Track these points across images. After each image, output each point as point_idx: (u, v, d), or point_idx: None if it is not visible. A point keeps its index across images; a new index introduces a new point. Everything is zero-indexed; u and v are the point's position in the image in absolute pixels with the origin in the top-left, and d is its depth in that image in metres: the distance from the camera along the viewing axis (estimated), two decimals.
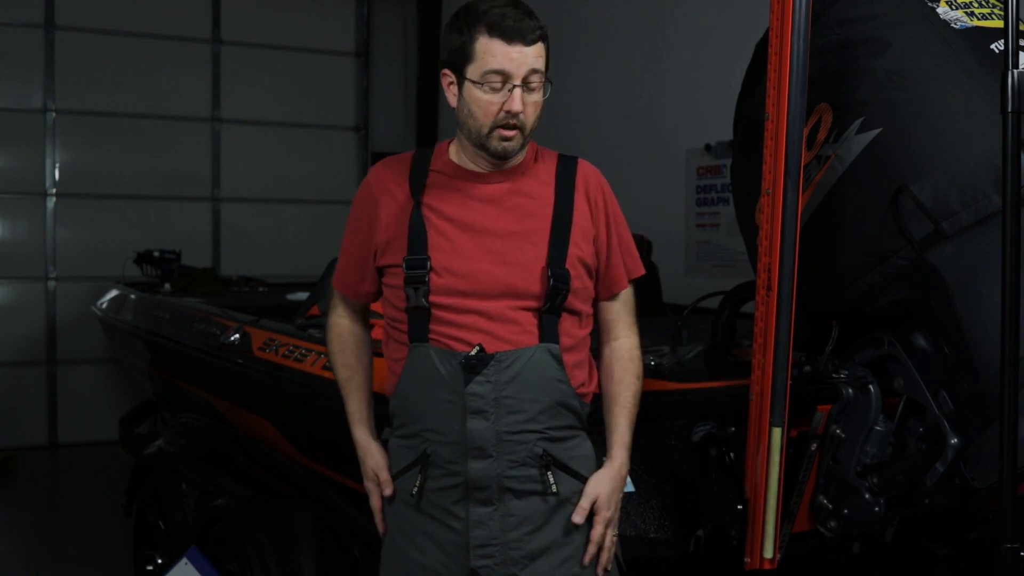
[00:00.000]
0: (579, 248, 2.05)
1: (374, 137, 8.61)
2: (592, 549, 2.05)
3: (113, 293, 5.62)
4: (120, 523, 4.24)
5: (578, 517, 2.03)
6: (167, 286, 5.83)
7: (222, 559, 3.10)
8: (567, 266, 2.03)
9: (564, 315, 2.04)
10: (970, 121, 2.27)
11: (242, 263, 7.64)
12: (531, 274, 2.01)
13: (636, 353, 2.15)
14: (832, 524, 2.44)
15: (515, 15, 1.95)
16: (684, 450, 2.41)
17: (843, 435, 2.42)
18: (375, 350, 2.29)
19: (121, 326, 5.07)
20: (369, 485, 2.17)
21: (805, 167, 2.34)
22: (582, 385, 2.08)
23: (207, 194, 8.01)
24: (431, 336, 2.00)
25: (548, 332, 2.01)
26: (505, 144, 1.99)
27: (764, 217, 2.25)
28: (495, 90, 1.96)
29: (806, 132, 2.32)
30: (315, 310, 3.86)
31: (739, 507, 2.30)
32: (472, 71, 1.97)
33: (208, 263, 7.60)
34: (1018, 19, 2.00)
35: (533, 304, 2.01)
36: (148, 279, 6.04)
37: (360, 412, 2.23)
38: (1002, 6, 2.30)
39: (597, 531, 2.04)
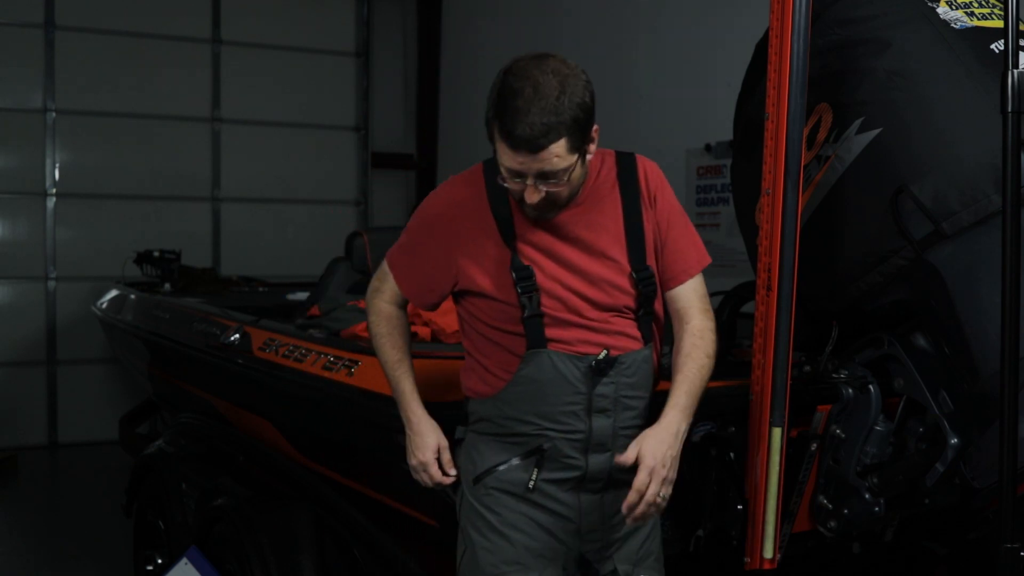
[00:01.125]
0: (651, 245, 2.14)
1: (374, 137, 8.60)
2: (632, 496, 2.01)
3: (113, 293, 5.62)
4: (120, 523, 4.24)
5: (622, 458, 2.03)
6: (167, 286, 5.83)
7: (222, 559, 3.10)
8: (648, 263, 2.12)
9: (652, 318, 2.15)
10: (970, 121, 2.27)
11: (242, 263, 7.63)
12: (616, 287, 2.10)
13: (709, 334, 2.17)
14: (832, 524, 2.44)
15: (525, 120, 1.90)
16: (684, 450, 2.41)
17: (843, 435, 2.42)
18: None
19: (121, 326, 5.07)
20: (428, 456, 2.20)
21: (805, 167, 2.34)
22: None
23: (207, 194, 8.01)
24: (550, 344, 2.08)
25: (647, 333, 2.13)
26: (540, 213, 2.07)
27: (764, 217, 2.26)
28: (514, 179, 2.00)
29: (806, 132, 2.32)
30: (315, 310, 3.86)
31: (739, 507, 2.30)
32: (496, 155, 2.01)
33: (208, 263, 7.59)
34: (1018, 19, 2.00)
35: (626, 312, 2.11)
36: (148, 279, 6.03)
37: (415, 392, 2.27)
38: (1002, 6, 2.30)
39: (640, 478, 2.00)
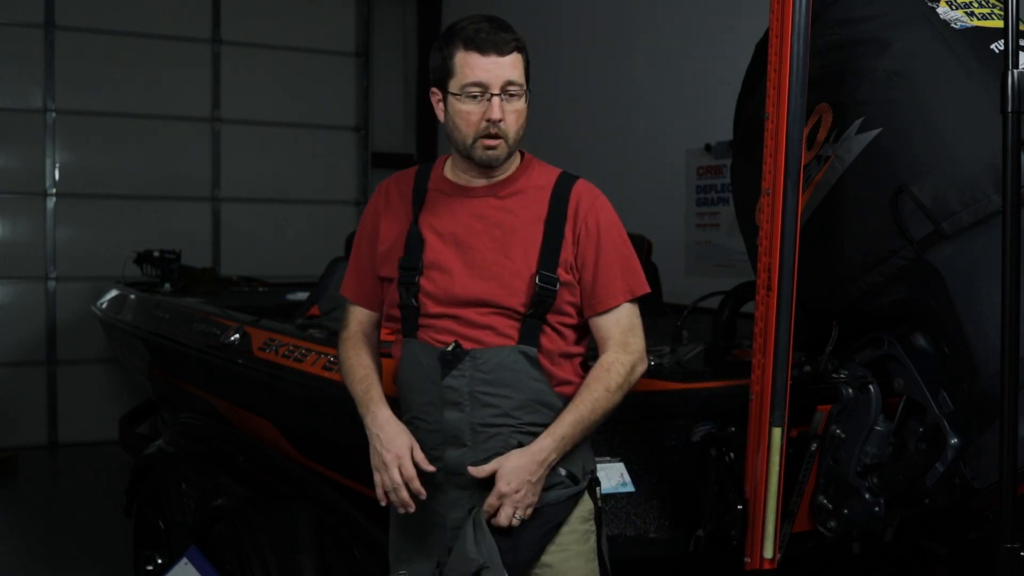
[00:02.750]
0: (565, 261, 2.11)
1: (374, 137, 8.61)
2: (485, 513, 2.04)
3: (113, 293, 5.62)
4: (120, 523, 4.24)
5: (475, 470, 2.03)
6: (167, 286, 5.83)
7: (222, 559, 3.10)
8: (556, 274, 2.09)
9: (546, 324, 2.10)
10: (970, 121, 2.26)
11: (242, 263, 7.63)
12: (507, 287, 2.09)
13: (617, 367, 2.10)
14: (832, 524, 2.44)
15: (489, 29, 2.05)
16: (684, 450, 2.41)
17: (843, 435, 2.42)
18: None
19: (121, 326, 5.07)
20: (404, 451, 2.06)
21: (805, 167, 2.34)
22: (564, 384, 2.12)
23: (207, 194, 8.01)
24: (419, 333, 2.12)
25: (528, 335, 2.08)
26: (489, 153, 2.09)
27: (764, 217, 2.25)
28: (475, 101, 2.06)
29: (806, 132, 2.31)
30: (315, 310, 3.86)
31: (739, 507, 2.30)
32: (453, 85, 2.08)
33: (208, 263, 7.60)
34: (1018, 19, 2.00)
35: (509, 312, 2.09)
36: (148, 279, 6.04)
37: (382, 396, 2.18)
38: (1002, 6, 2.30)
39: (491, 501, 2.02)
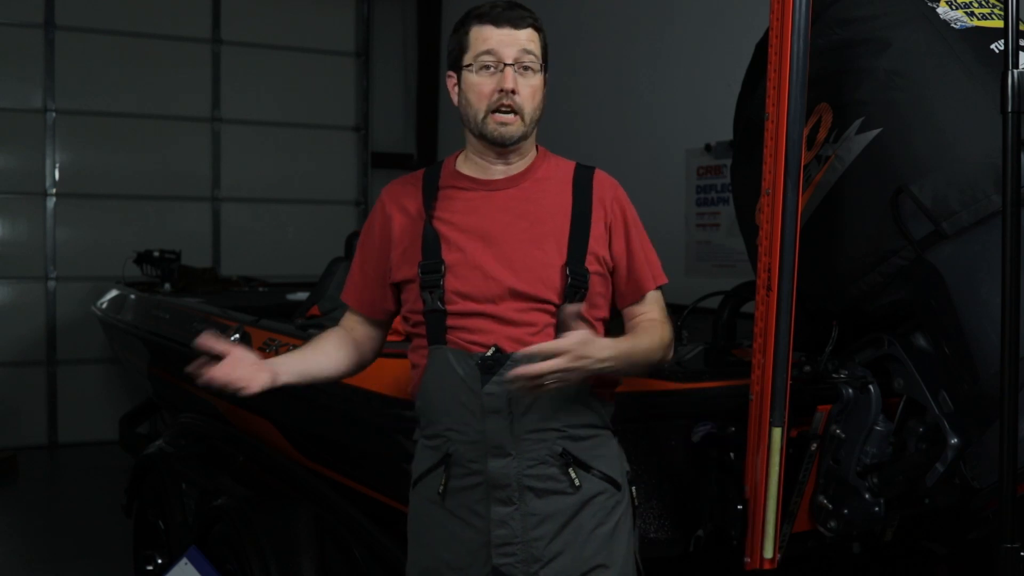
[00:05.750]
0: (596, 251, 2.07)
1: (374, 137, 8.61)
2: (533, 348, 1.87)
3: (113, 293, 5.62)
4: (120, 523, 4.25)
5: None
6: (167, 286, 5.84)
7: (222, 559, 3.10)
8: (586, 266, 2.05)
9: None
10: (970, 121, 2.27)
11: (242, 263, 7.63)
12: (540, 279, 2.03)
13: (665, 328, 2.10)
14: (832, 524, 2.44)
15: (505, 5, 2.06)
16: (684, 450, 2.41)
17: (843, 435, 2.42)
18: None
19: (121, 326, 5.07)
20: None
21: (805, 167, 2.34)
22: (599, 385, 2.08)
23: (207, 194, 8.01)
24: (448, 338, 2.03)
25: (564, 331, 2.00)
26: (502, 129, 2.04)
27: (764, 217, 2.26)
28: (488, 72, 2.03)
29: (806, 132, 2.32)
30: (315, 310, 3.86)
31: (739, 507, 2.30)
32: (467, 59, 2.06)
33: (208, 263, 7.60)
34: (1018, 19, 2.00)
35: (546, 306, 2.03)
36: (148, 279, 6.04)
37: (284, 357, 2.23)
38: (1002, 6, 2.30)
39: (556, 343, 1.86)
